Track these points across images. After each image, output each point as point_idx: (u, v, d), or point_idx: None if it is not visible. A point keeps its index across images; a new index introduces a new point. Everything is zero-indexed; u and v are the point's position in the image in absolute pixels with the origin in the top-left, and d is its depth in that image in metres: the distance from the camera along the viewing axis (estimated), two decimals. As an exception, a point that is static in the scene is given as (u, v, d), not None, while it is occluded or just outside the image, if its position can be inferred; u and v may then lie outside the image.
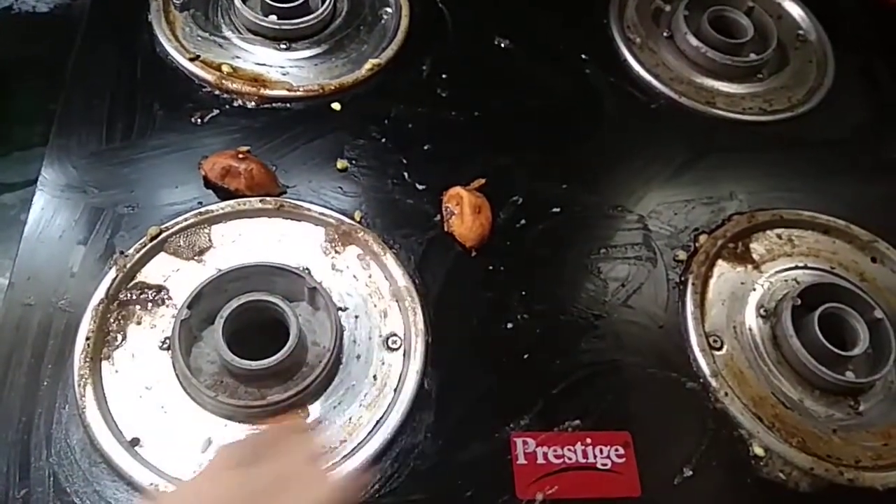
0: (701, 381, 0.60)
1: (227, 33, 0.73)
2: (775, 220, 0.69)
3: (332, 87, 0.70)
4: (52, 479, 0.50)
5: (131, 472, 0.50)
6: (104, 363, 0.54)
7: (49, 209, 0.60)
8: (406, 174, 0.67)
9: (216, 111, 0.67)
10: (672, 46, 0.81)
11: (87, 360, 0.53)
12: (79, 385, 0.52)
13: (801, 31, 0.86)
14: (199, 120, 0.66)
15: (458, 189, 0.65)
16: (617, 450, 0.56)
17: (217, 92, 0.68)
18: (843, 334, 0.63)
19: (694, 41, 0.79)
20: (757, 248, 0.68)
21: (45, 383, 0.53)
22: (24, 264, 0.57)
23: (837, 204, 0.71)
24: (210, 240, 0.61)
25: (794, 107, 0.78)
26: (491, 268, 0.63)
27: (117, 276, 0.57)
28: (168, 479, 0.50)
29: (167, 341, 0.55)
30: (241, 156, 0.62)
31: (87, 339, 0.54)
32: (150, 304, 0.57)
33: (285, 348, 0.53)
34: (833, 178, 0.74)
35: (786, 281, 0.67)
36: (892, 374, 0.64)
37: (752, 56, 0.79)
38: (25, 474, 0.50)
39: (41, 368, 0.54)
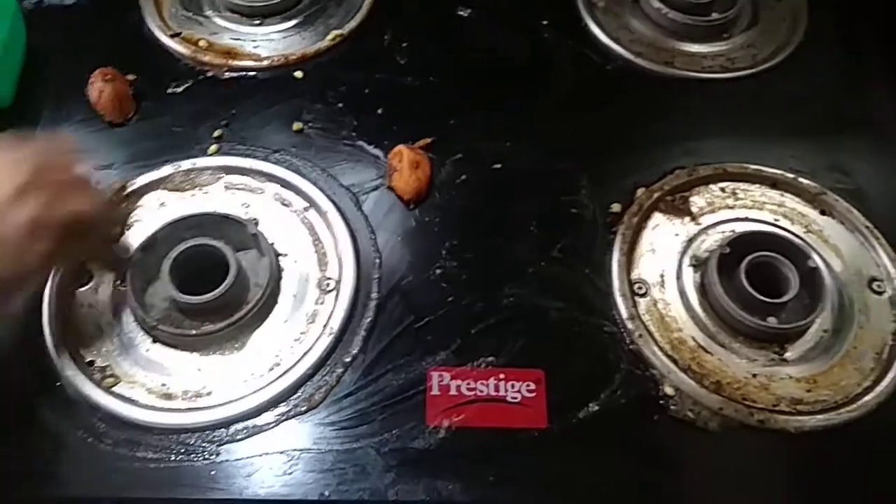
0: (618, 323, 0.62)
1: (208, 12, 0.80)
2: (719, 174, 0.70)
3: (296, 57, 0.76)
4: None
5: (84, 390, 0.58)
6: (76, 297, 0.63)
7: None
8: (356, 135, 0.72)
9: (190, 81, 0.74)
10: (638, 10, 0.83)
11: (57, 294, 0.62)
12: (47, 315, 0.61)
13: (778, -10, 0.85)
14: (175, 90, 0.74)
15: (400, 147, 0.69)
16: (528, 385, 0.59)
17: (192, 64, 0.75)
18: (777, 283, 0.63)
19: (656, 3, 0.80)
20: (697, 201, 0.69)
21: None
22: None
23: (789, 160, 0.71)
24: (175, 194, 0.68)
25: (756, 64, 0.78)
26: (427, 220, 0.67)
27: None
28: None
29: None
30: (108, 76, 0.70)
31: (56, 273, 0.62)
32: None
33: (224, 284, 0.60)
34: (788, 135, 0.73)
35: (722, 233, 0.67)
36: (827, 322, 0.64)
37: (715, 15, 0.79)
38: None
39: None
